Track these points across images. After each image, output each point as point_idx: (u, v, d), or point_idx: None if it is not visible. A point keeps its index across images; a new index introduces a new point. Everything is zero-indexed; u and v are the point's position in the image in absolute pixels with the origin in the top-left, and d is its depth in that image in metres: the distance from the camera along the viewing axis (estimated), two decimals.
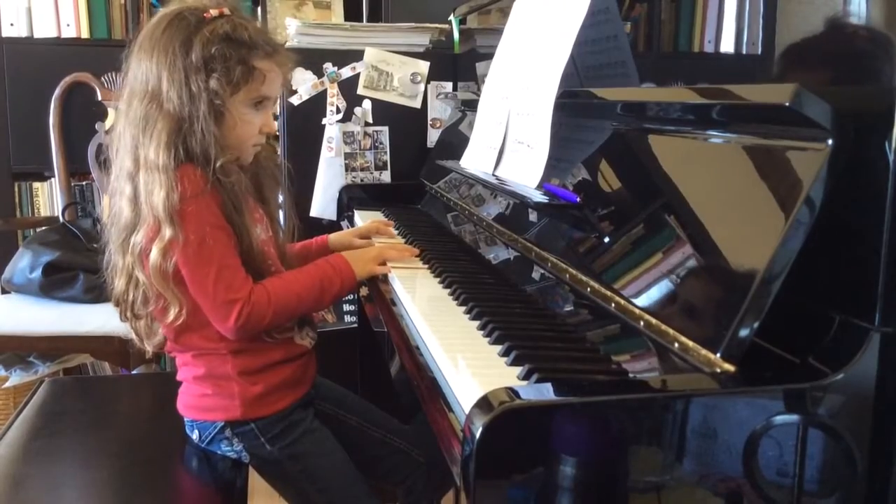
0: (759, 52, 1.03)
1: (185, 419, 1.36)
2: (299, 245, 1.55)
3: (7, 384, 2.39)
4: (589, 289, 0.99)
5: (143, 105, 1.21)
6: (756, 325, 0.73)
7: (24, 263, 2.25)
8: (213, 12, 1.23)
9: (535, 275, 1.19)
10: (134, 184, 1.21)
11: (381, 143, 2.10)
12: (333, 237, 1.58)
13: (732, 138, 0.89)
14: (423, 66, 2.10)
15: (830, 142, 0.73)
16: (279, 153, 2.08)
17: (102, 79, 2.59)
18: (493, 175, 1.43)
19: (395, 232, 1.68)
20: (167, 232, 1.17)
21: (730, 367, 0.73)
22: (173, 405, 1.36)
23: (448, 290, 1.22)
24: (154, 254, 1.18)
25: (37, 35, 2.63)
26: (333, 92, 2.05)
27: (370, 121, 2.09)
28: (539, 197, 1.20)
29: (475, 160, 1.56)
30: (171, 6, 1.27)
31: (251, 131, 1.28)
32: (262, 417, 1.30)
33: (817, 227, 0.73)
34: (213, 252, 1.20)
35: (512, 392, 0.71)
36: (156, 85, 1.21)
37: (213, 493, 1.29)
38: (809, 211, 0.73)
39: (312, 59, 2.02)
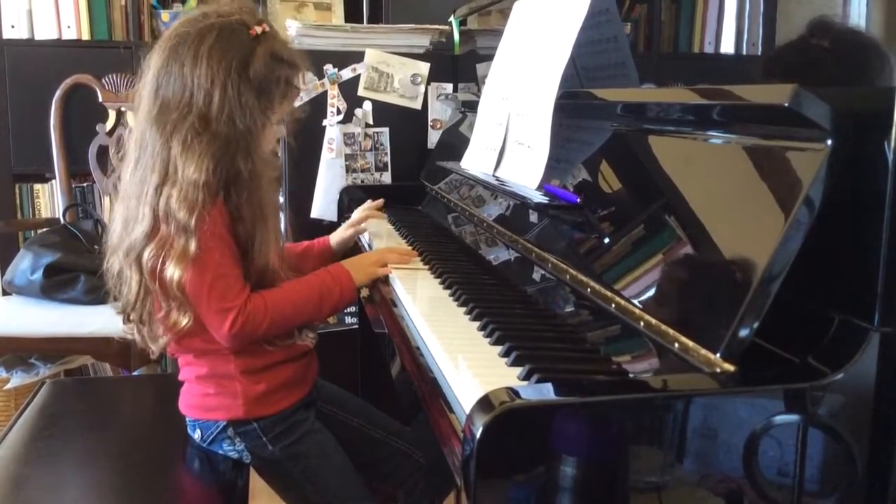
0: (759, 52, 1.03)
1: (188, 419, 1.36)
2: (302, 245, 1.55)
3: (8, 386, 2.40)
4: (589, 289, 0.99)
5: (184, 119, 1.19)
6: (756, 324, 0.74)
7: (24, 265, 2.25)
8: (258, 29, 1.23)
9: (536, 275, 1.19)
10: (159, 194, 1.19)
11: (381, 145, 2.10)
12: (334, 236, 1.60)
13: (732, 139, 0.89)
14: (424, 68, 2.10)
15: (830, 142, 0.73)
16: (280, 155, 2.08)
17: (103, 80, 2.59)
18: (494, 176, 1.43)
19: (394, 229, 1.68)
20: (191, 246, 1.17)
21: (729, 367, 0.73)
22: (174, 406, 1.37)
23: (449, 291, 1.22)
24: (175, 268, 1.18)
25: (38, 37, 2.64)
26: (334, 93, 2.06)
27: (371, 122, 2.09)
28: (539, 198, 1.20)
29: (475, 161, 1.56)
30: (206, 16, 1.24)
31: (273, 142, 1.31)
32: (265, 417, 1.30)
33: (817, 226, 0.73)
34: (210, 260, 1.20)
35: (512, 392, 0.71)
36: (204, 101, 1.19)
37: (214, 494, 1.30)
38: (809, 211, 0.73)
39: (313, 61, 2.00)
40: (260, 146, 1.24)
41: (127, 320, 1.31)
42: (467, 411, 0.73)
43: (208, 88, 1.19)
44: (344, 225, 1.65)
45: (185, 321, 1.22)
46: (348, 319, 2.13)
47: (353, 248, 1.64)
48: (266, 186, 1.28)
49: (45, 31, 2.63)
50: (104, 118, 2.60)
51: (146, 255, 1.21)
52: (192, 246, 1.17)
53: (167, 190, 1.18)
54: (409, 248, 1.51)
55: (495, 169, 1.44)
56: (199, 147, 1.18)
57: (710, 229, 0.84)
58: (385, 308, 1.28)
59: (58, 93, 2.59)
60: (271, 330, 1.26)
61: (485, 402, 0.70)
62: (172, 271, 1.18)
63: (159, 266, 1.19)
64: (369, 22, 2.76)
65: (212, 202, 1.18)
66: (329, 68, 2.05)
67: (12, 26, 2.61)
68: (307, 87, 1.35)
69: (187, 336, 1.29)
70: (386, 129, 2.10)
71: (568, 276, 1.06)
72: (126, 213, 1.24)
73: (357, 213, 1.66)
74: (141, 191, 1.22)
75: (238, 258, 1.24)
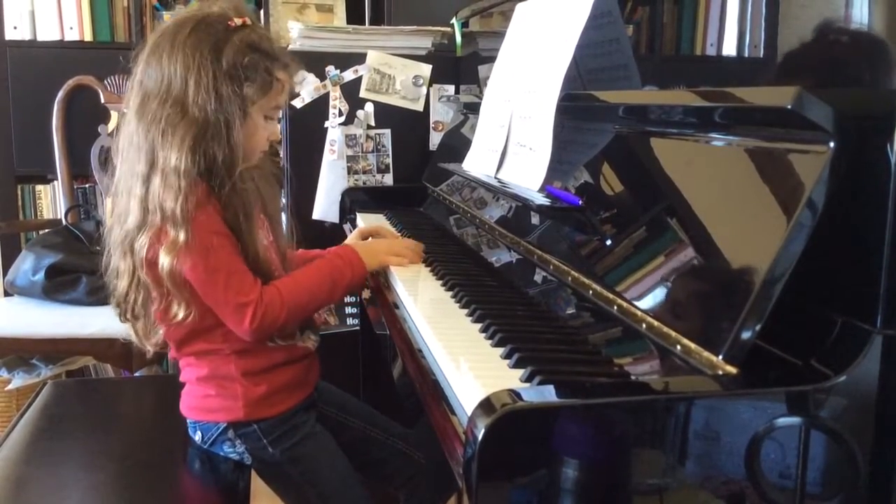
0: (762, 54, 1.03)
1: (188, 420, 1.36)
2: (313, 253, 1.55)
3: (10, 386, 2.40)
4: (591, 291, 0.99)
5: (163, 108, 1.20)
6: (758, 327, 0.73)
7: (27, 266, 2.25)
8: (237, 21, 1.24)
9: (538, 277, 1.19)
10: (146, 186, 1.20)
11: (383, 146, 2.10)
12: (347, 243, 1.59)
13: (734, 141, 0.89)
14: (426, 69, 2.10)
15: (832, 144, 0.73)
16: (282, 156, 2.08)
17: (105, 82, 2.60)
18: (496, 178, 1.43)
19: (396, 231, 1.68)
20: (180, 235, 1.17)
21: (732, 370, 0.73)
22: (176, 407, 1.37)
23: (451, 293, 1.22)
24: (166, 257, 1.18)
25: (40, 38, 2.64)
26: (336, 95, 2.06)
27: (372, 123, 2.09)
28: (541, 200, 1.20)
29: (477, 163, 1.56)
30: (189, 11, 1.27)
31: (263, 139, 1.30)
32: (265, 419, 1.30)
33: (819, 229, 0.73)
34: (219, 259, 1.21)
35: (514, 394, 0.71)
36: (180, 88, 1.20)
37: (215, 495, 1.30)
38: (811, 213, 0.73)
39: (315, 62, 2.02)
40: (241, 137, 1.22)
41: (123, 318, 1.31)
42: (469, 413, 0.73)
43: (184, 75, 1.20)
44: (353, 233, 1.64)
45: (181, 313, 1.22)
46: (350, 321, 2.13)
47: None
48: (252, 182, 1.28)
49: (48, 33, 2.63)
50: (106, 119, 2.61)
51: (137, 245, 1.21)
52: (182, 235, 1.17)
53: (153, 179, 1.20)
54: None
55: (497, 171, 1.44)
56: (178, 134, 1.19)
57: (712, 231, 0.84)
58: (387, 309, 1.28)
59: (60, 94, 2.59)
60: (290, 319, 1.27)
61: (486, 404, 0.70)
62: (164, 261, 1.18)
63: (152, 256, 1.20)
64: (371, 23, 2.76)
65: (192, 190, 1.18)
66: (331, 70, 2.05)
67: (15, 27, 2.61)
68: (296, 82, 1.33)
69: (188, 341, 1.29)
70: (388, 131, 2.10)
71: (570, 278, 1.06)
72: (118, 207, 1.26)
73: (370, 226, 1.64)
74: (130, 184, 1.23)
75: (240, 252, 1.24)
